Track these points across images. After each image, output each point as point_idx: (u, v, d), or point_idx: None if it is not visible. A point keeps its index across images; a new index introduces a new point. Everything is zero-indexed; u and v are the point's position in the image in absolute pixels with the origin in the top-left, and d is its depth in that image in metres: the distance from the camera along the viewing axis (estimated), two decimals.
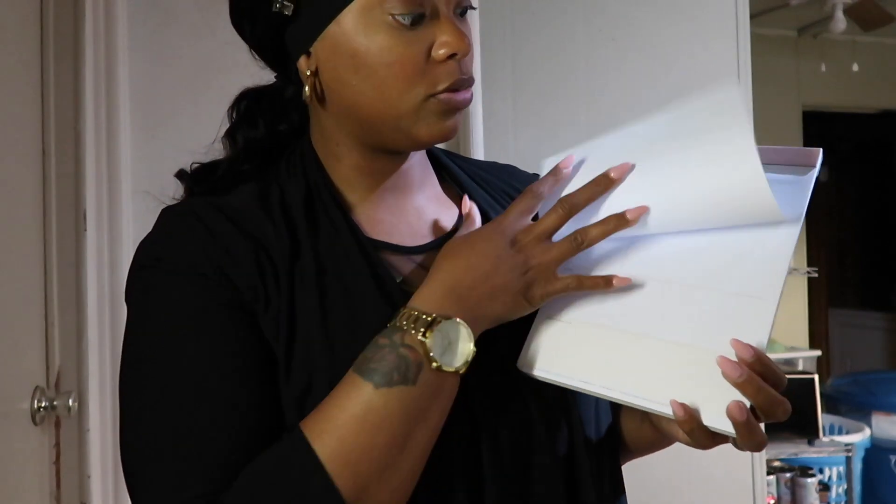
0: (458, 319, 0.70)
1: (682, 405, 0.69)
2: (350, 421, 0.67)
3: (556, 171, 0.79)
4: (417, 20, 0.73)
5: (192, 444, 0.68)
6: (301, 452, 0.67)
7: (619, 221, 0.74)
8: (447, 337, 0.69)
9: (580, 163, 0.80)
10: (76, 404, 1.58)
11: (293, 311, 0.73)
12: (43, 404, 1.52)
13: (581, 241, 0.74)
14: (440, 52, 0.74)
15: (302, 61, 0.78)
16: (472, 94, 0.78)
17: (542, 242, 0.75)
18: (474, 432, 0.75)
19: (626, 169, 0.76)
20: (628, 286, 0.76)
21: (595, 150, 0.80)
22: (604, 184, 0.76)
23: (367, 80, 0.74)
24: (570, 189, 0.78)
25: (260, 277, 0.73)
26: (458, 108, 0.77)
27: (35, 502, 1.53)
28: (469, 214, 0.83)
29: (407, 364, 0.69)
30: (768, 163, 0.76)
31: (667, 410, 0.70)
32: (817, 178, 0.79)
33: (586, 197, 0.76)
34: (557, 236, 0.76)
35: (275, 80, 0.86)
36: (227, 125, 0.86)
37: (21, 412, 1.48)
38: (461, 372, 0.70)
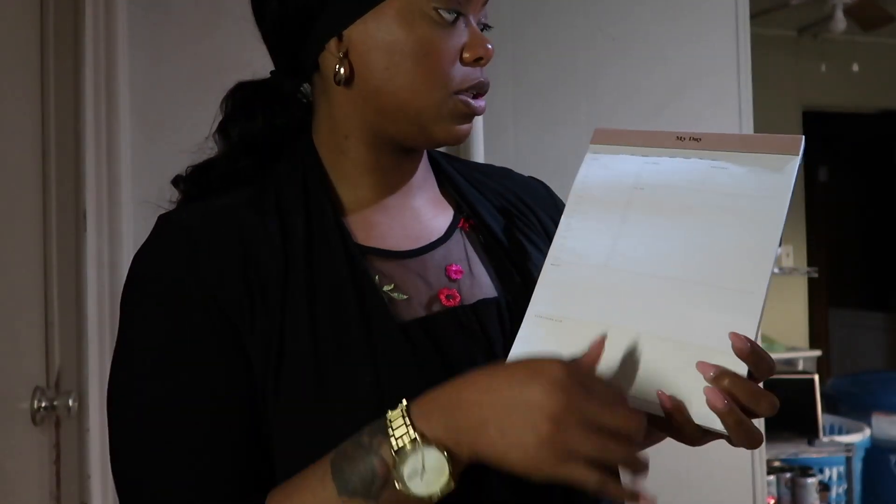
0: (437, 448, 0.65)
1: (670, 397, 0.69)
2: None
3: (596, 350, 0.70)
4: (455, 20, 0.77)
5: (172, 473, 0.70)
6: None
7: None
8: (421, 461, 0.65)
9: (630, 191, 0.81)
10: (76, 404, 1.58)
11: (282, 326, 0.74)
12: (43, 404, 1.51)
13: (613, 450, 0.65)
14: (467, 54, 0.78)
15: (332, 43, 0.79)
16: (485, 103, 0.81)
17: (586, 424, 0.63)
18: None
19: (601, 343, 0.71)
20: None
21: (651, 168, 0.81)
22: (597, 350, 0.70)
23: (400, 68, 0.77)
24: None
25: (248, 294, 0.74)
26: (475, 114, 0.80)
27: (35, 502, 1.53)
28: (598, 345, 0.71)
29: (373, 476, 0.66)
30: (752, 151, 0.77)
31: (656, 409, 0.70)
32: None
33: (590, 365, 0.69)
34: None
35: (270, 75, 0.86)
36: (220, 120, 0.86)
37: (21, 412, 1.48)
38: (433, 501, 0.65)
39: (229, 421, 0.72)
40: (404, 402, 0.67)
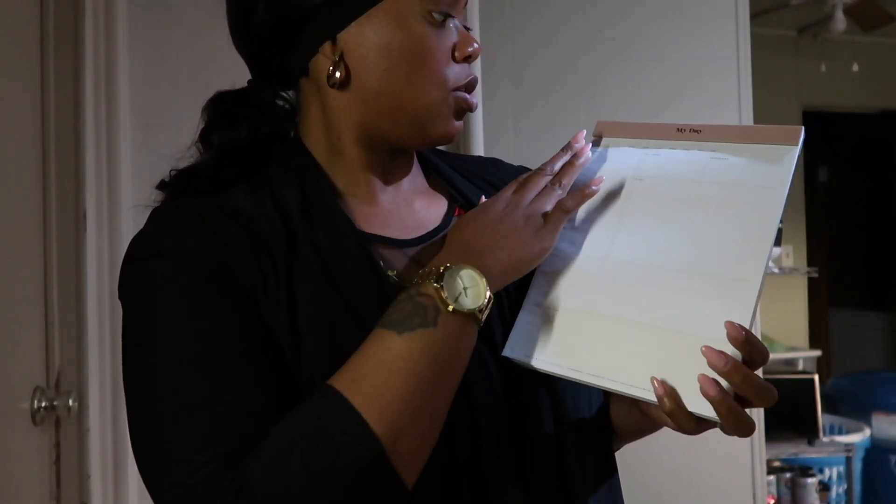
0: (467, 265, 0.73)
1: (662, 383, 0.70)
2: (379, 368, 0.68)
3: (567, 146, 0.85)
4: (445, 20, 0.80)
5: (202, 413, 0.67)
6: (334, 402, 0.67)
7: (581, 160, 0.84)
8: (460, 282, 0.72)
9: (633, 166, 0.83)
10: (76, 404, 1.58)
11: (293, 302, 0.74)
12: (43, 404, 1.52)
13: (560, 184, 0.82)
14: (458, 53, 0.81)
15: (326, 47, 0.80)
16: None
17: (530, 198, 0.81)
18: (475, 418, 0.76)
19: (582, 136, 0.85)
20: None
21: (651, 159, 0.82)
22: (571, 150, 0.85)
23: (398, 69, 0.78)
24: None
25: (259, 268, 0.74)
26: (470, 111, 0.83)
27: (35, 502, 1.53)
28: None
29: (425, 309, 0.71)
30: (752, 141, 0.78)
31: (652, 397, 0.71)
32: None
33: (561, 165, 0.84)
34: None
35: (248, 84, 0.86)
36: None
37: (21, 412, 1.48)
38: (480, 319, 0.73)
39: (254, 374, 0.70)
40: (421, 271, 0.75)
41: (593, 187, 0.82)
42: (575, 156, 0.84)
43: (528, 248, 0.77)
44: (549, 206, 0.80)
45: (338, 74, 0.79)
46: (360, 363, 0.69)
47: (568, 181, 0.82)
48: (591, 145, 0.84)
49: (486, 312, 0.73)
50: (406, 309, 0.71)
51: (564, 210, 0.80)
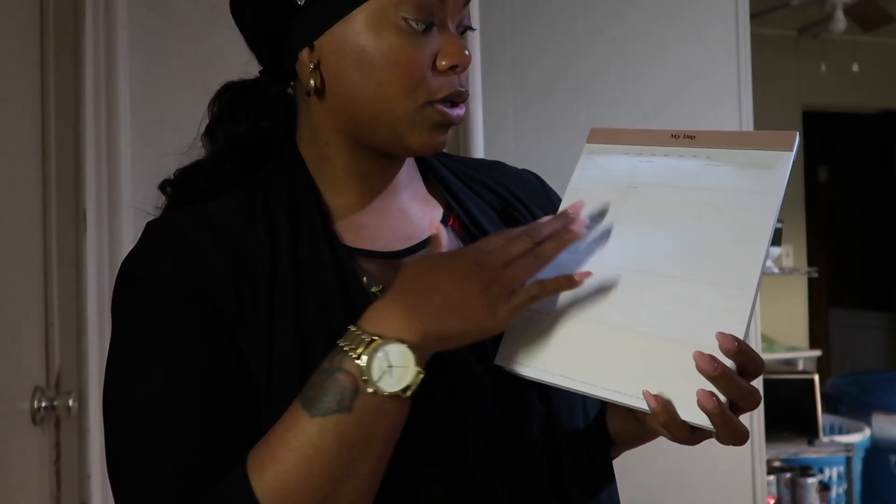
0: (397, 340, 0.67)
1: (655, 396, 0.69)
2: (288, 454, 0.67)
3: (563, 215, 0.77)
4: (427, 28, 0.75)
5: (167, 462, 0.70)
6: (240, 492, 0.68)
7: (570, 234, 0.75)
8: (386, 359, 0.67)
9: (628, 177, 0.81)
10: (76, 404, 1.58)
11: (271, 331, 0.74)
12: (43, 404, 1.52)
13: (538, 255, 0.73)
14: (443, 62, 0.76)
15: (304, 53, 0.78)
16: (464, 111, 0.80)
17: (505, 263, 0.72)
18: (465, 426, 0.75)
19: (581, 206, 0.77)
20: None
21: (645, 166, 0.81)
22: (565, 219, 0.76)
23: (371, 79, 0.75)
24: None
25: (238, 298, 0.74)
26: (452, 124, 0.78)
27: (35, 502, 1.53)
28: (436, 236, 0.79)
29: (343, 390, 0.67)
30: (746, 147, 0.77)
31: (644, 405, 0.70)
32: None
33: (551, 240, 0.74)
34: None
35: (258, 75, 0.86)
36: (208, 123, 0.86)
37: (21, 412, 1.48)
38: (407, 395, 0.67)
39: (224, 413, 0.72)
40: (351, 327, 0.69)
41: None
42: (566, 229, 0.75)
43: (479, 322, 0.70)
44: (519, 282, 0.72)
45: (312, 82, 0.77)
46: (274, 444, 0.68)
47: (550, 254, 0.73)
48: (588, 221, 0.77)
49: (414, 388, 0.67)
50: (324, 387, 0.67)
51: (531, 295, 0.72)
